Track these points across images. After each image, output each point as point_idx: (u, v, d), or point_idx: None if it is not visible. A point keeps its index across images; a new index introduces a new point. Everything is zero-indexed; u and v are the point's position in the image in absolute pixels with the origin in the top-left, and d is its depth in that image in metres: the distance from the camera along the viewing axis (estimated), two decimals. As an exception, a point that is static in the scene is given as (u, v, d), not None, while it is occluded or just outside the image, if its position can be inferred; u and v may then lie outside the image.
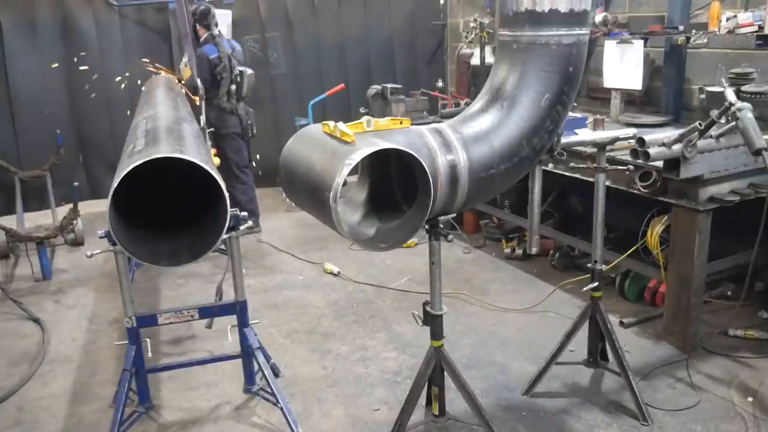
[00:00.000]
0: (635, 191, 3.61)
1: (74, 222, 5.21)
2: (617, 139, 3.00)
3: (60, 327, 4.33)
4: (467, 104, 5.88)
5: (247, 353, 3.24)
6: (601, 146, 2.97)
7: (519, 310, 4.22)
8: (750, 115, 2.63)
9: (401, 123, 2.24)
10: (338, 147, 2.04)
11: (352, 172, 1.97)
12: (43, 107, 6.32)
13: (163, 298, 4.79)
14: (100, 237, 2.68)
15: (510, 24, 2.45)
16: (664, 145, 3.14)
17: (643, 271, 4.02)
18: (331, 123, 2.15)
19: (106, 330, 4.27)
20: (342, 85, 6.70)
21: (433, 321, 2.62)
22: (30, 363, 3.86)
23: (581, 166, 3.30)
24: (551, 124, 2.49)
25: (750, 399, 3.21)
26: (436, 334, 2.66)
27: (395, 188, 2.40)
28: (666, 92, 4.77)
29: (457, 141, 2.32)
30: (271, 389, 3.05)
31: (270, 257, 5.50)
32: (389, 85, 5.79)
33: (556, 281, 4.69)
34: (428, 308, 2.64)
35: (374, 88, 5.84)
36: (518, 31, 2.41)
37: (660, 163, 3.34)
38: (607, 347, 3.27)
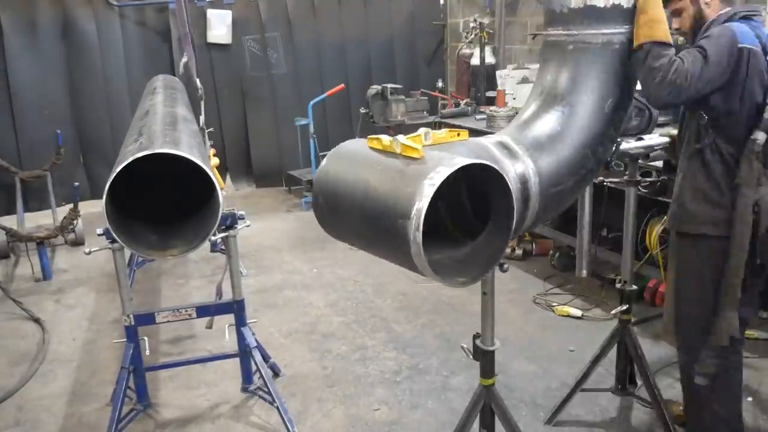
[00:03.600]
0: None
1: (74, 222, 5.21)
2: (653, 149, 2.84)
3: (60, 327, 4.34)
4: (467, 104, 5.91)
5: (244, 352, 3.24)
6: (634, 157, 2.79)
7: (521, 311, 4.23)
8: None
9: (458, 135, 1.99)
10: (405, 164, 1.73)
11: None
12: (43, 107, 6.33)
13: (164, 298, 4.79)
14: (99, 234, 2.69)
15: (562, 22, 2.17)
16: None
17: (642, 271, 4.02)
18: (385, 138, 1.83)
19: (106, 330, 4.27)
20: (342, 85, 6.70)
21: (483, 357, 2.28)
22: (30, 363, 3.86)
23: (614, 180, 3.03)
24: (614, 131, 2.23)
25: (750, 399, 3.21)
26: (487, 371, 2.30)
27: (441, 212, 2.06)
28: (666, 92, 4.76)
29: (523, 152, 2.05)
30: (268, 388, 3.06)
31: (270, 257, 5.50)
32: (389, 85, 5.79)
33: (556, 281, 4.71)
34: (479, 342, 2.27)
35: (374, 88, 5.85)
36: (574, 29, 2.14)
37: (660, 163, 3.33)
38: (636, 373, 3.05)
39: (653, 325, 3.94)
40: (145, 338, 3.08)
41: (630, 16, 2.12)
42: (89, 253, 2.78)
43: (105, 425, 3.01)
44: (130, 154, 2.39)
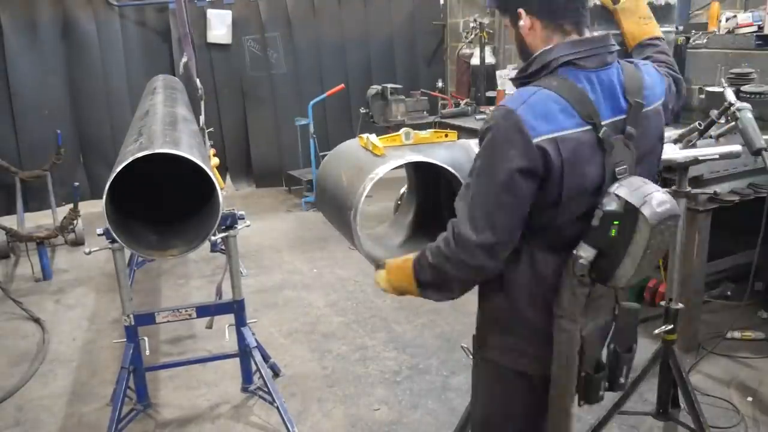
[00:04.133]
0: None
1: (74, 222, 5.21)
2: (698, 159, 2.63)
3: (60, 327, 4.33)
4: (467, 104, 5.91)
5: (244, 352, 3.24)
6: (683, 167, 2.61)
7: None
8: (750, 115, 2.63)
9: (446, 136, 1.97)
10: (366, 161, 1.84)
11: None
12: (43, 107, 6.33)
13: (164, 298, 4.79)
14: (99, 234, 2.69)
15: None
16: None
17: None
18: (366, 136, 1.93)
19: (106, 330, 4.27)
20: (342, 85, 6.70)
21: None
22: (30, 363, 3.86)
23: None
24: None
25: (750, 399, 3.21)
26: None
27: (444, 211, 2.07)
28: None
29: None
30: (268, 388, 3.06)
31: (270, 257, 5.50)
32: (389, 85, 5.79)
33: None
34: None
35: (374, 88, 5.85)
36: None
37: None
38: (680, 396, 2.80)
39: (653, 325, 3.93)
40: (145, 338, 3.08)
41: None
42: (89, 253, 2.78)
43: (105, 425, 3.02)
44: (130, 154, 2.39)
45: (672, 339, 2.72)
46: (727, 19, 4.06)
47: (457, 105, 6.05)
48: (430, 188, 2.12)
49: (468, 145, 2.00)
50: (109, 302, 4.67)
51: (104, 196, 2.37)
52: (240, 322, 3.19)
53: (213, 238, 2.66)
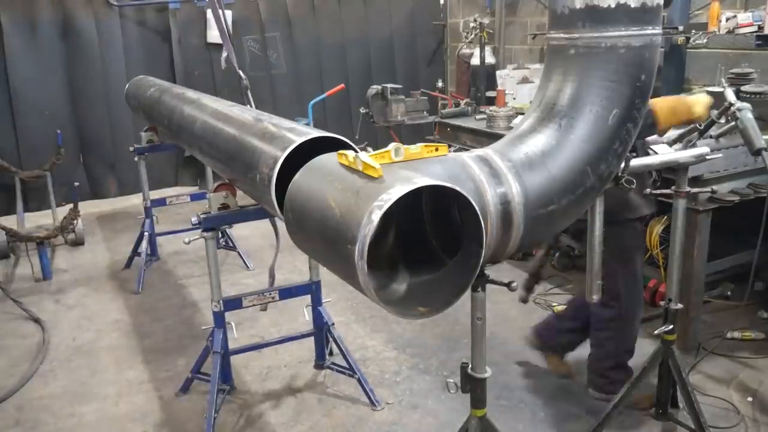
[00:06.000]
0: (635, 191, 3.61)
1: (74, 222, 5.21)
2: (704, 158, 2.62)
3: (60, 327, 4.34)
4: (467, 104, 5.91)
5: (320, 330, 3.47)
6: (683, 167, 2.62)
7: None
8: (750, 115, 2.63)
9: (437, 150, 1.80)
10: (362, 184, 1.60)
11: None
12: (43, 107, 6.33)
13: (164, 297, 4.79)
14: (194, 224, 2.93)
15: (564, 24, 1.96)
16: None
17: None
18: (350, 153, 1.68)
19: (106, 330, 4.27)
20: (342, 85, 6.70)
21: (475, 386, 2.08)
22: (30, 363, 3.87)
23: (664, 192, 2.78)
24: (620, 145, 2.00)
25: (750, 399, 3.21)
26: (479, 401, 2.09)
27: (428, 229, 1.91)
28: (666, 92, 4.76)
29: (508, 170, 1.85)
30: (348, 362, 3.35)
31: (271, 257, 5.48)
32: (389, 85, 5.76)
33: (556, 281, 4.70)
34: (469, 371, 2.08)
35: (374, 88, 5.82)
36: (576, 32, 1.94)
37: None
38: (679, 397, 2.86)
39: (653, 325, 3.93)
40: (232, 323, 3.25)
41: (637, 16, 1.90)
42: (189, 242, 3.00)
43: (105, 425, 3.02)
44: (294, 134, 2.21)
45: (672, 339, 2.75)
46: (727, 19, 4.06)
47: (457, 105, 6.04)
48: (409, 210, 1.85)
49: (462, 159, 1.86)
50: (109, 302, 4.67)
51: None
52: (317, 302, 3.44)
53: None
